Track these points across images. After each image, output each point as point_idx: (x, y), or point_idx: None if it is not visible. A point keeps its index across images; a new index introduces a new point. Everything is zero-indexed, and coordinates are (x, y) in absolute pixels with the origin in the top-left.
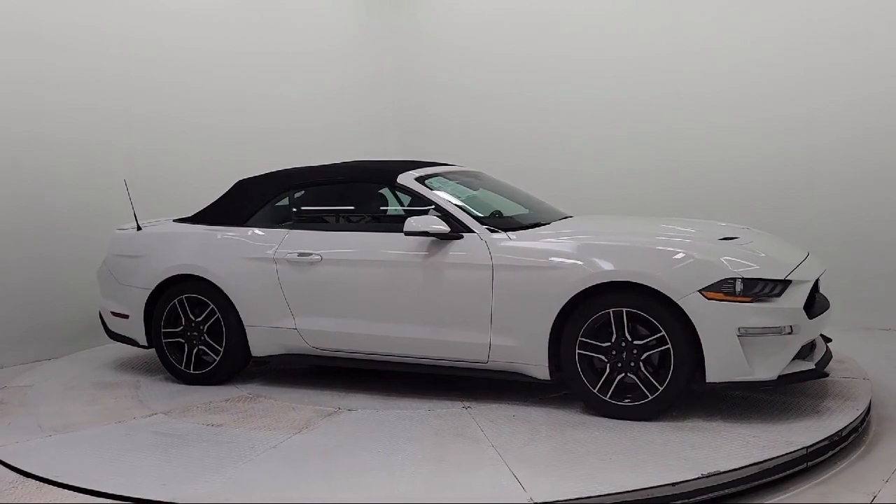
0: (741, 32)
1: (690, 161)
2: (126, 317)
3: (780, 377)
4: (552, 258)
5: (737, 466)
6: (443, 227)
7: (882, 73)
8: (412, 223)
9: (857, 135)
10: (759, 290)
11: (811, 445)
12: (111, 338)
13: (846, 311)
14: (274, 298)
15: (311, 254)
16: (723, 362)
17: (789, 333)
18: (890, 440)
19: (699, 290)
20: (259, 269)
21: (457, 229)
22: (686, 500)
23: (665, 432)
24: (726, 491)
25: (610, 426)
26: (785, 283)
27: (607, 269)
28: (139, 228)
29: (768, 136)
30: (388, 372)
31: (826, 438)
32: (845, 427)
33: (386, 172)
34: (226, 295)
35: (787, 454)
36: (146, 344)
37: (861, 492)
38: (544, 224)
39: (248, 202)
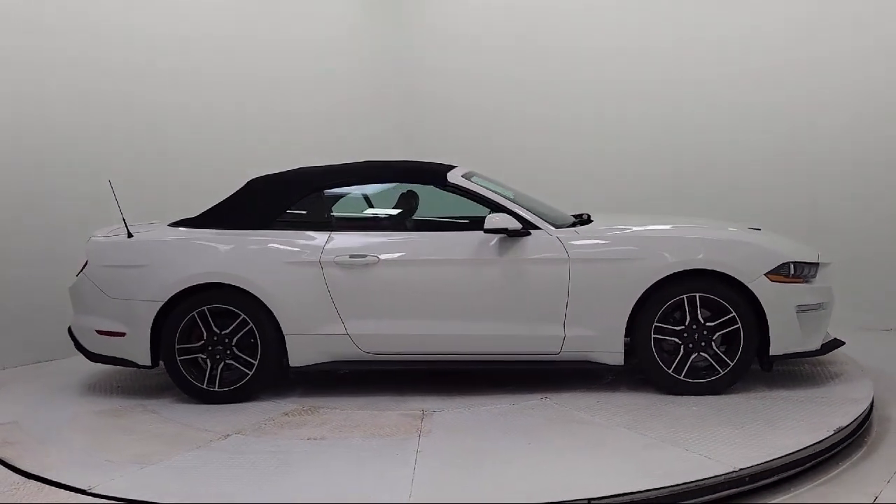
0: (742, 31)
1: (689, 163)
2: (121, 335)
3: (822, 346)
4: (629, 250)
5: (848, 422)
6: (518, 225)
7: (889, 68)
8: (494, 220)
9: (859, 137)
10: (803, 272)
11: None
12: (92, 360)
13: (847, 311)
14: (320, 304)
15: (365, 256)
16: (784, 337)
17: (824, 309)
18: (891, 440)
19: (765, 274)
20: (302, 273)
21: (525, 226)
22: (825, 455)
23: (756, 401)
24: (846, 443)
25: (698, 402)
26: (817, 266)
27: (687, 258)
28: (130, 235)
29: (769, 137)
30: (422, 372)
31: (827, 438)
32: (846, 426)
33: (433, 172)
34: (262, 303)
35: (864, 412)
36: (149, 364)
37: (863, 492)
38: (589, 221)
39: (271, 203)
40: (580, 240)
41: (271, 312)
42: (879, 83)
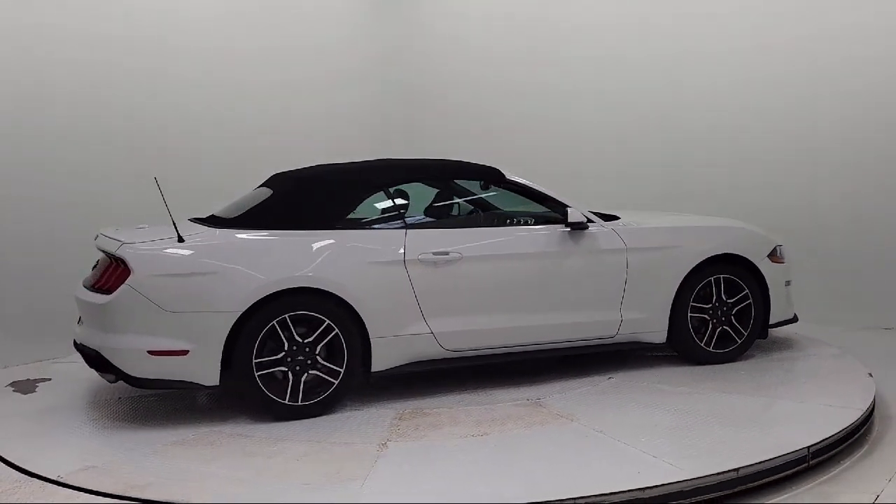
0: (743, 34)
1: (688, 164)
2: (183, 353)
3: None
4: (673, 239)
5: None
6: (584, 219)
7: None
8: (574, 215)
9: (860, 137)
10: (781, 253)
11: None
12: (136, 385)
13: (847, 310)
14: (405, 304)
15: (448, 252)
16: (779, 308)
17: (791, 284)
18: (893, 439)
19: (767, 257)
20: (386, 273)
21: (587, 220)
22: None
23: (783, 366)
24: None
25: (734, 367)
26: (782, 248)
27: (718, 244)
28: (181, 240)
29: (769, 135)
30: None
31: (828, 437)
32: (848, 426)
33: (490, 170)
34: (349, 307)
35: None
36: (217, 383)
37: (864, 491)
38: (614, 216)
39: (337, 201)
40: (634, 231)
41: (358, 316)
42: (885, 89)
